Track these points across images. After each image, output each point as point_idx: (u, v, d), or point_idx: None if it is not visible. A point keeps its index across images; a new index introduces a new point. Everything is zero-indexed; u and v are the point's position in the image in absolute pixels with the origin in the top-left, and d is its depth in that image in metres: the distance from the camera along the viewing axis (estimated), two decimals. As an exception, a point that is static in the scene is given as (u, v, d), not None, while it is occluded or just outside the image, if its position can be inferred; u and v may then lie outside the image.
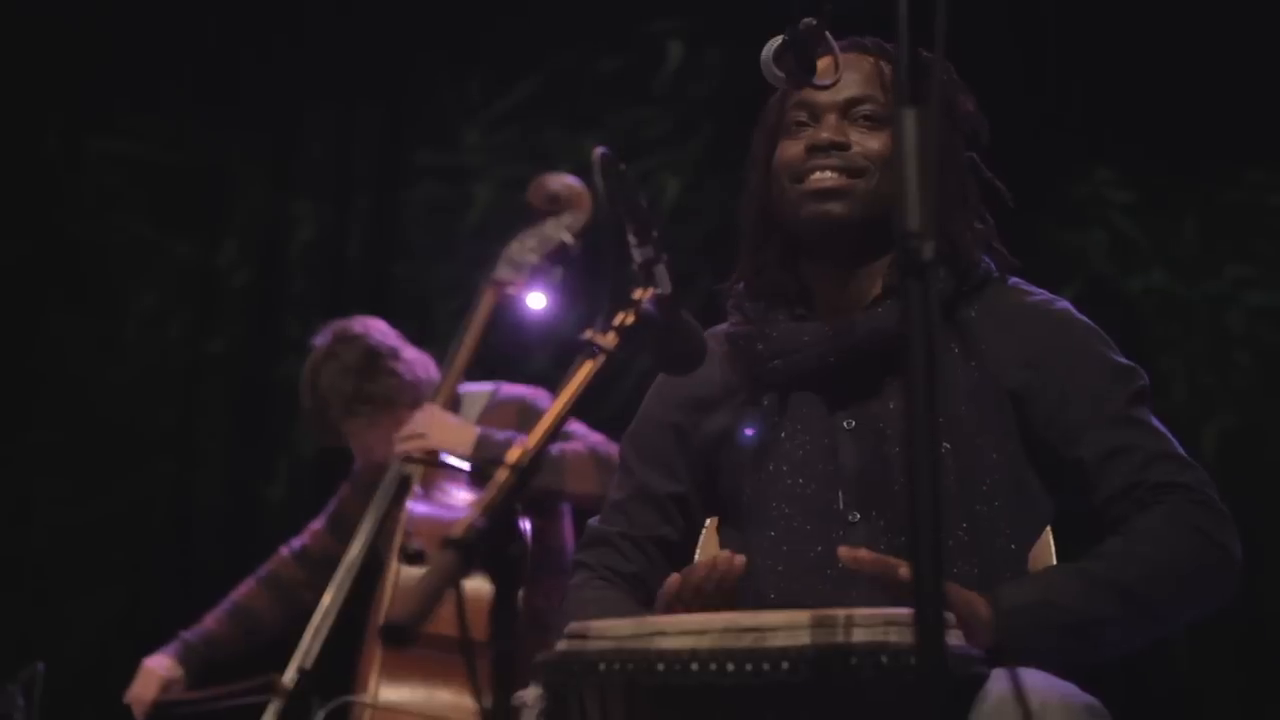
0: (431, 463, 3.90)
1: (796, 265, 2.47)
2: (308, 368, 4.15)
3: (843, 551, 2.14)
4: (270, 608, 4.20)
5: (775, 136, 2.47)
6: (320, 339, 4.17)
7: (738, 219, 2.53)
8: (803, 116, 2.43)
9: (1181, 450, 2.34)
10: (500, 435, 3.89)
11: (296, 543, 4.28)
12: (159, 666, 4.11)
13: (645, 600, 2.43)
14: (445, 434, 3.91)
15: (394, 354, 4.12)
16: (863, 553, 2.14)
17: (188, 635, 4.18)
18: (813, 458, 2.37)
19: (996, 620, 2.12)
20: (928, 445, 1.62)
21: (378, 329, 4.17)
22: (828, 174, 2.38)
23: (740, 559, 2.21)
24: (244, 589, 4.25)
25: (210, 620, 4.21)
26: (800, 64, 2.30)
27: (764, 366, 2.43)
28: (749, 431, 2.42)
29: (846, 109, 2.41)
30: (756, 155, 2.50)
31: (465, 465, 3.80)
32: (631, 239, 2.03)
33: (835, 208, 2.37)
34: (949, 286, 2.39)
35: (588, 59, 5.35)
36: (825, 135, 2.39)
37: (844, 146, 2.38)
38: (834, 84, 2.35)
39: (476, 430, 3.91)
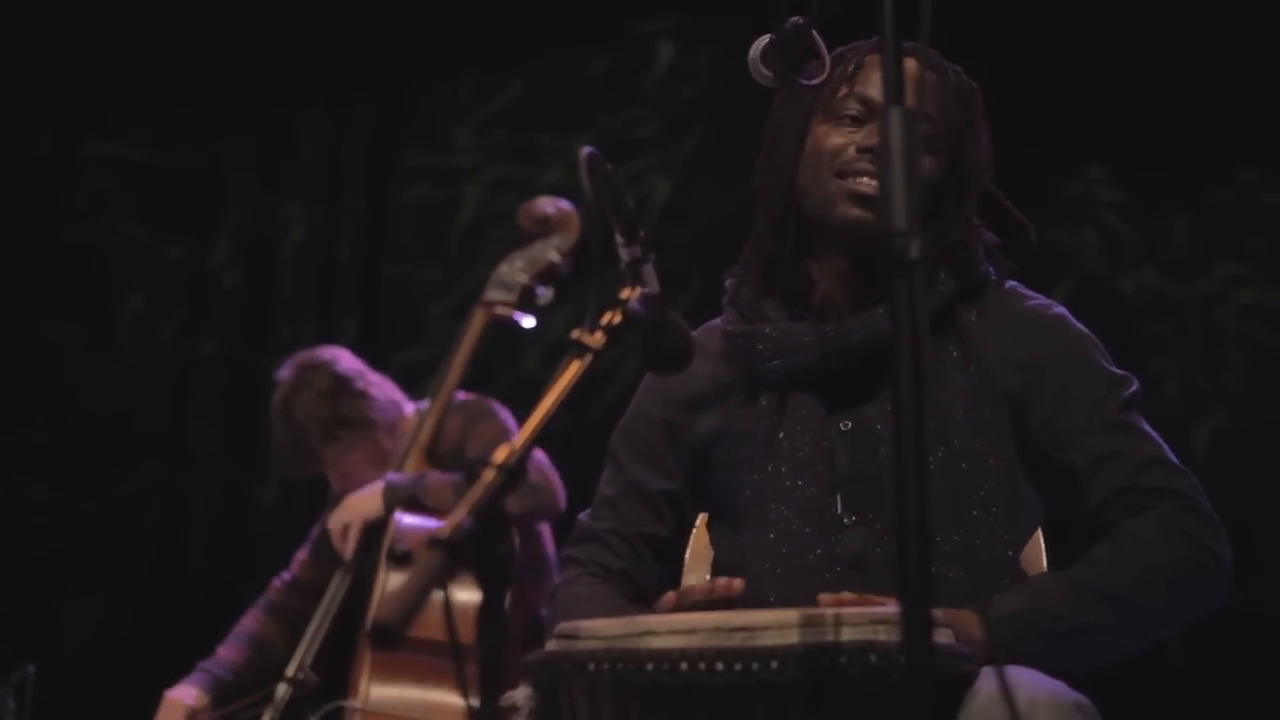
0: (377, 534, 3.94)
1: (805, 256, 2.45)
2: (278, 399, 4.16)
3: (823, 599, 2.13)
4: (280, 636, 4.18)
5: (813, 113, 2.43)
6: (284, 372, 4.20)
7: (755, 190, 2.48)
8: (856, 110, 2.40)
9: (1173, 456, 2.35)
10: (406, 478, 3.94)
11: (287, 574, 4.30)
12: (185, 697, 4.09)
13: (635, 596, 2.43)
14: (358, 507, 3.96)
15: (361, 376, 4.17)
16: (845, 596, 2.13)
17: (210, 666, 4.16)
18: (811, 459, 2.36)
19: (989, 634, 2.12)
20: (914, 440, 1.62)
21: (341, 355, 4.21)
22: (874, 182, 2.33)
23: (739, 584, 2.21)
24: (253, 620, 4.24)
25: (229, 651, 4.19)
26: (788, 63, 2.29)
27: (763, 366, 2.42)
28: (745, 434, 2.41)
29: None
30: (788, 128, 2.44)
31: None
32: (618, 238, 2.03)
33: (872, 217, 2.32)
34: (949, 289, 2.40)
35: (577, 60, 5.36)
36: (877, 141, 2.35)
37: None
38: (821, 81, 2.34)
39: (380, 484, 3.95)
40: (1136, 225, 4.93)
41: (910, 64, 2.29)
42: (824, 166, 2.39)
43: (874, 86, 2.39)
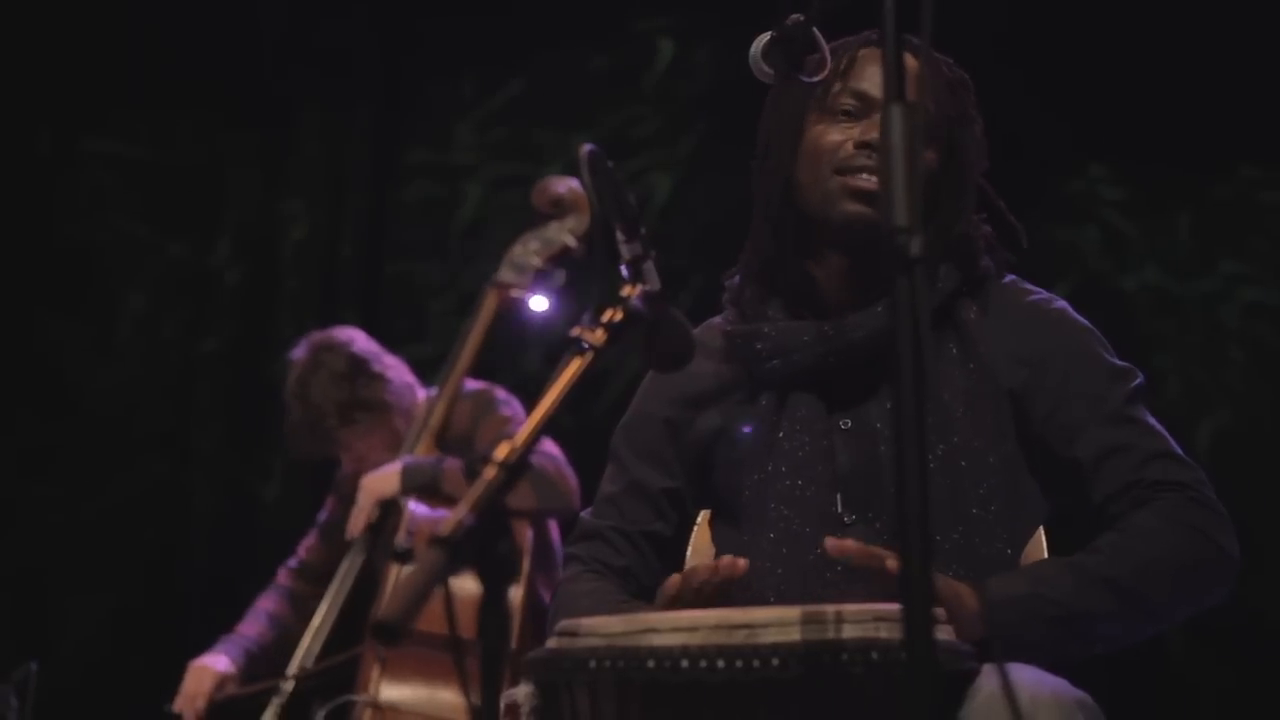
0: (388, 514, 3.93)
1: (805, 255, 2.44)
2: (294, 381, 4.14)
3: (829, 542, 2.13)
4: (296, 621, 4.20)
5: (807, 110, 2.42)
6: (299, 352, 4.17)
7: (754, 190, 2.47)
8: (851, 105, 2.38)
9: (1178, 449, 2.34)
10: (425, 460, 3.92)
11: (293, 561, 4.29)
12: (217, 664, 4.10)
13: (636, 594, 2.43)
14: (376, 487, 3.94)
15: (378, 358, 4.15)
16: (849, 543, 2.13)
17: (238, 639, 4.17)
18: (811, 459, 2.36)
19: (985, 612, 2.12)
20: (915, 438, 1.62)
21: (357, 336, 4.19)
22: (874, 178, 2.32)
23: (743, 562, 2.20)
24: (271, 601, 4.25)
25: (254, 627, 4.20)
26: (789, 60, 2.29)
27: (762, 366, 2.42)
28: (747, 430, 2.41)
29: None
30: (783, 126, 2.43)
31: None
32: (619, 235, 2.03)
33: (873, 213, 2.30)
34: (950, 284, 2.39)
35: (578, 57, 5.36)
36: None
37: None
38: (823, 78, 2.33)
39: (400, 464, 3.93)
40: (1139, 223, 4.92)
41: (905, 58, 2.29)
42: (823, 164, 2.38)
43: (868, 80, 2.39)
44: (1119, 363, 2.40)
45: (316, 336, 4.20)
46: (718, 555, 2.49)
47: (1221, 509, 2.30)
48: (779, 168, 2.43)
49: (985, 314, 2.41)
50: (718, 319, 2.52)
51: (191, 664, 4.10)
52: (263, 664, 4.13)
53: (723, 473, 2.45)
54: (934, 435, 2.29)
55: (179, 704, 4.06)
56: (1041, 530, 2.45)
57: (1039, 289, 2.48)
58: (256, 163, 5.63)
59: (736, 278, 2.51)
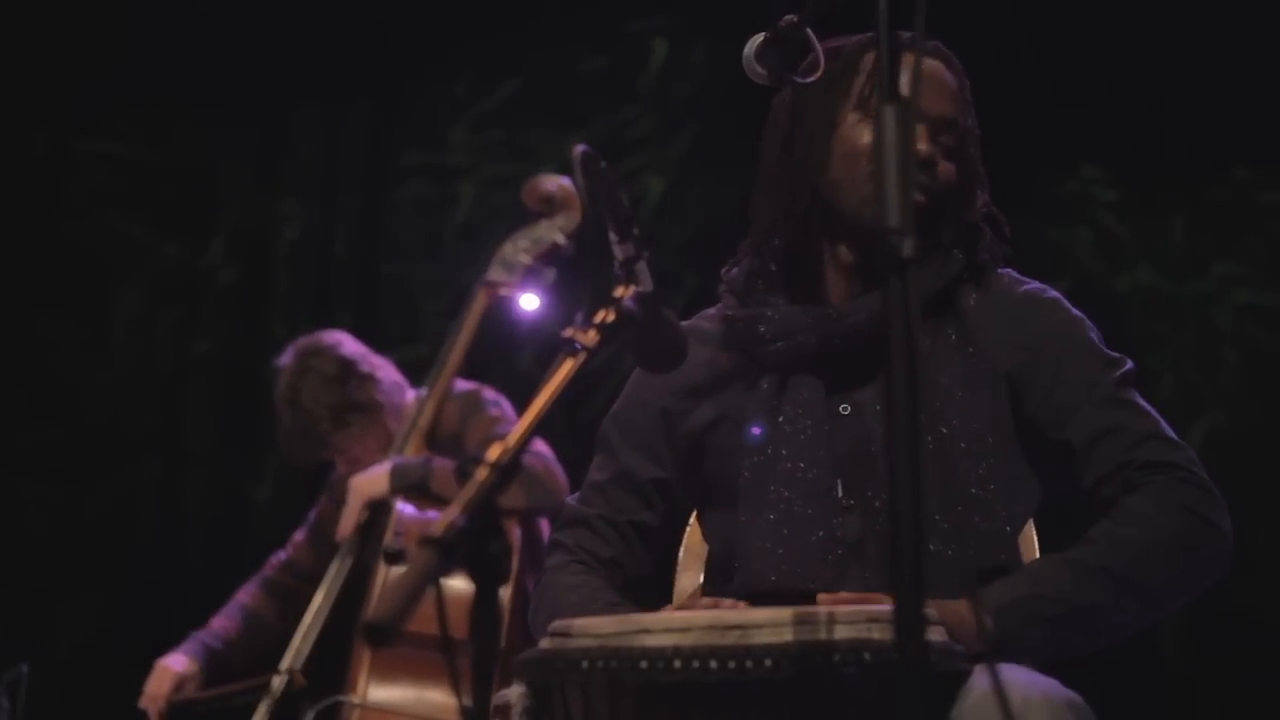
0: (378, 514, 3.93)
1: (814, 243, 2.45)
2: (284, 387, 4.13)
3: (821, 599, 2.13)
4: (273, 612, 4.21)
5: (843, 106, 2.41)
6: (286, 359, 4.16)
7: (770, 181, 2.46)
8: None
9: (1170, 431, 2.36)
10: (413, 460, 3.92)
11: (283, 554, 4.29)
12: (175, 664, 4.09)
13: (623, 586, 2.43)
14: (365, 488, 3.93)
15: (366, 359, 4.14)
16: (842, 595, 2.13)
17: (202, 635, 4.16)
18: (812, 442, 2.36)
19: (989, 621, 2.12)
20: (909, 446, 1.62)
21: (344, 339, 4.18)
22: (922, 196, 2.34)
23: (743, 605, 2.21)
24: (248, 593, 4.25)
25: (222, 622, 4.20)
26: (783, 61, 2.29)
27: (765, 349, 2.42)
28: (757, 430, 2.41)
29: (936, 128, 2.38)
30: (817, 118, 2.42)
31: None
32: (612, 236, 2.03)
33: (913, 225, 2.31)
34: (954, 269, 2.41)
35: (572, 58, 5.36)
36: (924, 149, 2.35)
37: (933, 166, 2.38)
38: (816, 78, 2.33)
39: (389, 465, 3.93)
40: (1132, 224, 4.92)
41: (935, 66, 2.31)
42: (861, 166, 2.37)
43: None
44: (1111, 351, 2.42)
45: (303, 341, 4.20)
46: (711, 551, 2.50)
47: (1213, 488, 2.30)
48: (810, 160, 2.41)
49: (982, 301, 2.43)
50: (712, 310, 2.53)
51: (156, 662, 4.11)
52: (228, 660, 4.13)
53: (719, 458, 2.45)
54: (932, 419, 2.30)
55: (143, 702, 4.07)
56: (1031, 523, 2.46)
57: (1033, 280, 2.51)
58: (251, 163, 5.63)
59: (735, 269, 2.51)
